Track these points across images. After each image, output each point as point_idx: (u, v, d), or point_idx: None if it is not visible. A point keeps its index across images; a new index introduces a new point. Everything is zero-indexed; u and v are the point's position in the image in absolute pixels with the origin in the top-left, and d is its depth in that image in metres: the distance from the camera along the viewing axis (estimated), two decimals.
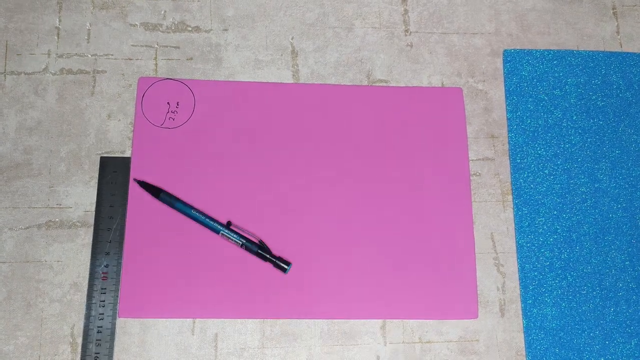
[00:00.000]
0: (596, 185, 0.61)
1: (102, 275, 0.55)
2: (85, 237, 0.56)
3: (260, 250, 0.56)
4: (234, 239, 0.56)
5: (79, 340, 0.54)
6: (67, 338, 0.54)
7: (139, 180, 0.57)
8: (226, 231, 0.56)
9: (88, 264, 0.56)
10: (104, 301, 0.55)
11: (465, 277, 0.58)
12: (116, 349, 0.54)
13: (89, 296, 0.55)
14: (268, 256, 0.56)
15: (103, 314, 0.54)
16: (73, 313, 0.55)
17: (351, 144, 0.60)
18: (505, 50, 0.64)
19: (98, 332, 0.54)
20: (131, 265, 0.56)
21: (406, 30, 0.64)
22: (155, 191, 0.57)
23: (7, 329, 0.54)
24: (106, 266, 0.55)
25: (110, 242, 0.56)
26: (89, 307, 0.54)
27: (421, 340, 0.56)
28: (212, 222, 0.56)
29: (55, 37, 0.61)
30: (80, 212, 0.57)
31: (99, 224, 0.56)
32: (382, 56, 0.63)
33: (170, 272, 0.56)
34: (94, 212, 0.57)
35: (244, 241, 0.56)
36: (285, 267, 0.56)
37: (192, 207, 0.56)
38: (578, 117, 0.62)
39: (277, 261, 0.56)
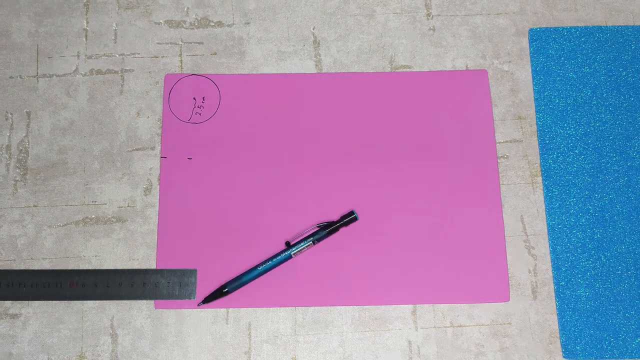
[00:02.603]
0: (629, 163, 0.59)
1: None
2: (120, 232, 0.58)
3: (327, 230, 0.57)
4: (304, 246, 0.57)
5: (119, 332, 0.56)
6: (107, 330, 0.56)
7: (203, 301, 0.56)
8: (293, 250, 0.57)
9: (124, 257, 0.58)
10: None
11: (495, 260, 0.57)
12: (154, 339, 0.56)
13: None
14: (336, 226, 0.57)
15: None
16: (112, 305, 0.57)
17: (376, 131, 0.60)
18: (531, 30, 0.63)
19: None
20: (165, 257, 0.57)
21: (428, 14, 0.64)
22: (220, 292, 0.56)
23: (50, 323, 0.56)
24: None
25: None
26: None
27: (452, 324, 0.57)
28: (280, 258, 0.56)
29: (84, 39, 0.63)
30: (114, 208, 0.59)
31: None
32: (405, 42, 0.63)
33: (203, 264, 0.57)
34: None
35: (312, 239, 0.57)
36: (354, 216, 0.57)
37: (255, 268, 0.56)
38: (608, 94, 0.61)
39: (345, 222, 0.57)
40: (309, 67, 0.62)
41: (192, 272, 0.56)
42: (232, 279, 0.56)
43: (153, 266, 0.57)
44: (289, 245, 0.57)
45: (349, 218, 0.57)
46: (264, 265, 0.56)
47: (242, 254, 0.57)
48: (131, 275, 0.56)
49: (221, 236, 0.58)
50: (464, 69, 0.62)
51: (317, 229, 0.57)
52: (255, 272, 0.56)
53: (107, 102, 0.61)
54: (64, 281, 0.56)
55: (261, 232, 0.58)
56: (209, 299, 0.56)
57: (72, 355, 0.56)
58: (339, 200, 0.59)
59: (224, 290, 0.56)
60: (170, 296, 0.56)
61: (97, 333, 0.56)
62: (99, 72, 0.62)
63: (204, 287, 0.57)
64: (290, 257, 0.57)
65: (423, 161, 0.60)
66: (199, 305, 0.56)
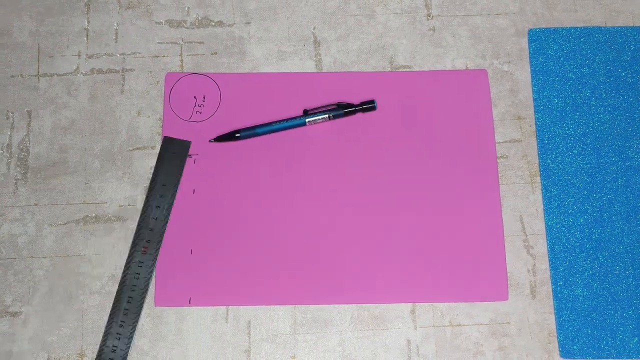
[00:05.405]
0: (627, 164, 0.60)
1: (142, 249, 0.57)
2: (121, 230, 0.58)
3: (345, 109, 0.59)
4: (321, 117, 0.59)
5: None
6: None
7: (214, 138, 0.59)
8: (310, 118, 0.59)
9: (125, 256, 0.58)
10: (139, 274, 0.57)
11: (494, 259, 0.58)
12: (154, 338, 0.56)
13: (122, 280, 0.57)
14: (354, 109, 0.59)
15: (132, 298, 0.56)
16: (112, 304, 0.57)
17: (376, 130, 0.60)
18: (530, 30, 0.63)
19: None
20: (166, 255, 0.57)
21: (428, 15, 0.64)
22: (232, 136, 0.59)
23: (50, 321, 0.57)
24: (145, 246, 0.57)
25: (152, 230, 0.57)
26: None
27: (451, 323, 0.57)
28: (295, 122, 0.59)
29: (85, 39, 0.63)
30: (115, 207, 0.59)
31: (145, 211, 0.58)
32: (405, 42, 0.63)
33: (204, 262, 0.57)
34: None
35: (329, 114, 0.59)
36: (373, 105, 0.59)
37: (270, 123, 0.59)
38: (607, 94, 0.61)
39: (363, 107, 0.59)
40: (309, 67, 0.62)
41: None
42: (246, 127, 0.58)
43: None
44: (306, 112, 0.58)
45: (368, 105, 0.59)
46: (278, 124, 0.58)
47: (242, 249, 0.58)
48: None
49: (222, 237, 0.58)
50: (464, 69, 0.62)
51: (335, 107, 0.59)
52: (268, 127, 0.58)
53: (108, 102, 0.61)
54: None
55: (261, 231, 0.58)
56: (221, 139, 0.58)
57: (72, 354, 0.56)
58: (338, 199, 0.59)
59: (236, 135, 0.58)
60: None
61: (97, 331, 0.56)
62: (99, 71, 0.62)
63: (202, 282, 0.57)
64: (304, 124, 0.58)
65: (422, 160, 0.60)
66: (210, 141, 0.58)
